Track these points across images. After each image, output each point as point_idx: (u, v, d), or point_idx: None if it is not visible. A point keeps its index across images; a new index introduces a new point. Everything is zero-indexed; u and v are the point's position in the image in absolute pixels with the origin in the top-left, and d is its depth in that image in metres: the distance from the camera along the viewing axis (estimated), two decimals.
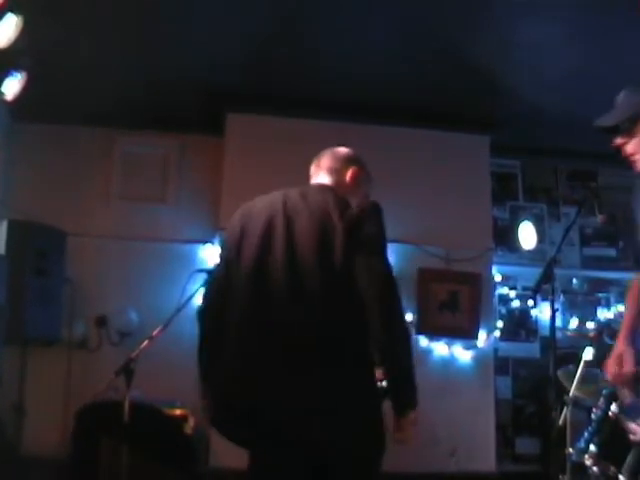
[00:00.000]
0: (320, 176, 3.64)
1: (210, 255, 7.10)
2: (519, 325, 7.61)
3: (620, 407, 3.07)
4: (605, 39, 5.67)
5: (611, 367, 2.93)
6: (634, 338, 2.90)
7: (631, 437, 2.94)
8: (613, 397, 3.21)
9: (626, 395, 2.96)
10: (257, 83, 6.72)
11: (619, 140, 2.88)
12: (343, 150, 3.74)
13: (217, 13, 5.61)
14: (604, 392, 3.30)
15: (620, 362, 2.89)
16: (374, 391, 3.13)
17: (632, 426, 2.91)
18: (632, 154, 2.86)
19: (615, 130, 2.90)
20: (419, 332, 6.96)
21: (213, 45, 6.06)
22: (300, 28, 5.85)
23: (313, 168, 3.73)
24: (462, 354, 6.85)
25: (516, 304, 7.65)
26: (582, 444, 4.50)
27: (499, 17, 5.60)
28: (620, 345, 2.94)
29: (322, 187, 3.54)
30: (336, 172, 3.63)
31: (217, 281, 3.51)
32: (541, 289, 3.88)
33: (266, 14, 5.64)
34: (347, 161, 3.69)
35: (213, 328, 3.43)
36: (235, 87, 6.78)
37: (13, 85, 5.41)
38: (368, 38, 5.94)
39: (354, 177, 3.67)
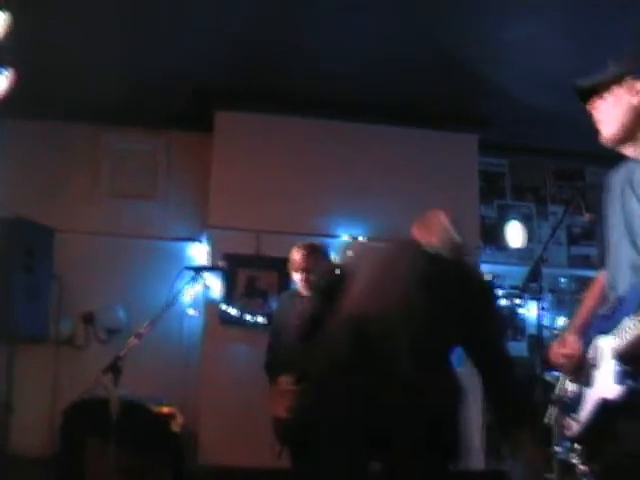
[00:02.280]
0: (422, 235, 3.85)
1: (198, 252, 7.10)
2: (506, 324, 7.62)
3: (562, 401, 3.06)
4: (593, 38, 5.68)
5: (557, 347, 2.92)
6: (584, 332, 2.88)
7: (566, 432, 2.93)
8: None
9: (567, 383, 2.95)
10: (245, 81, 6.72)
11: (592, 103, 2.85)
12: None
13: (204, 10, 5.61)
14: None
15: (564, 345, 2.89)
16: None
17: (567, 420, 2.90)
18: (599, 121, 2.82)
19: (593, 93, 2.87)
20: None
21: (201, 43, 6.06)
22: (287, 26, 5.85)
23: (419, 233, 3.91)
24: None
25: (504, 303, 7.65)
26: (568, 442, 4.50)
27: (487, 16, 5.61)
28: (568, 334, 2.94)
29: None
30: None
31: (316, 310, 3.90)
32: (529, 288, 3.90)
33: (253, 11, 5.64)
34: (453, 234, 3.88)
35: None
36: (223, 85, 6.78)
37: (0, 82, 5.39)
38: (356, 37, 5.94)
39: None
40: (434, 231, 3.82)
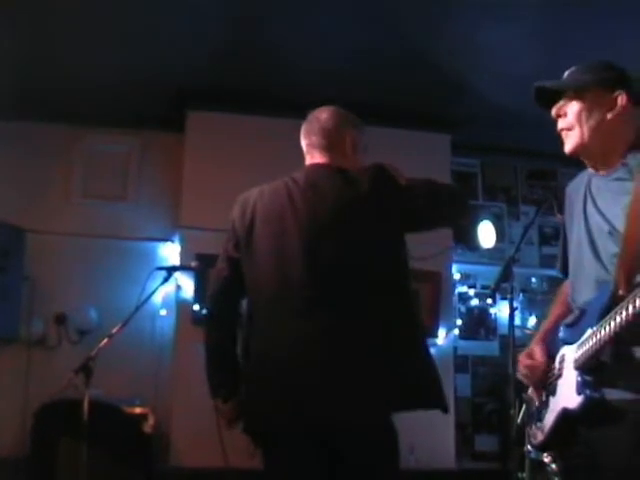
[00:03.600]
0: (316, 156, 3.57)
1: (170, 253, 7.09)
2: (478, 323, 7.64)
3: (528, 411, 3.10)
4: (565, 39, 5.72)
5: (523, 359, 2.95)
6: (551, 340, 2.91)
7: (532, 441, 2.96)
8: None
9: (533, 395, 2.98)
10: (218, 81, 6.70)
11: (558, 107, 2.82)
12: (328, 119, 3.61)
13: (180, 13, 5.60)
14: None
15: (532, 357, 2.92)
16: None
17: (533, 430, 2.94)
18: (567, 128, 2.79)
19: (555, 98, 2.84)
20: None
21: (174, 44, 6.04)
22: (261, 27, 5.85)
23: (305, 147, 3.66)
24: None
25: (475, 302, 7.68)
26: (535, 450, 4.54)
27: (461, 17, 5.63)
28: (534, 343, 2.97)
29: (325, 168, 3.49)
30: (333, 148, 3.55)
31: (225, 281, 3.47)
32: (500, 288, 3.90)
33: (229, 11, 5.63)
34: (340, 131, 3.58)
35: (227, 331, 3.44)
36: (196, 85, 6.77)
37: None
38: (331, 37, 5.96)
39: (353, 145, 3.60)
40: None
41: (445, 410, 3.19)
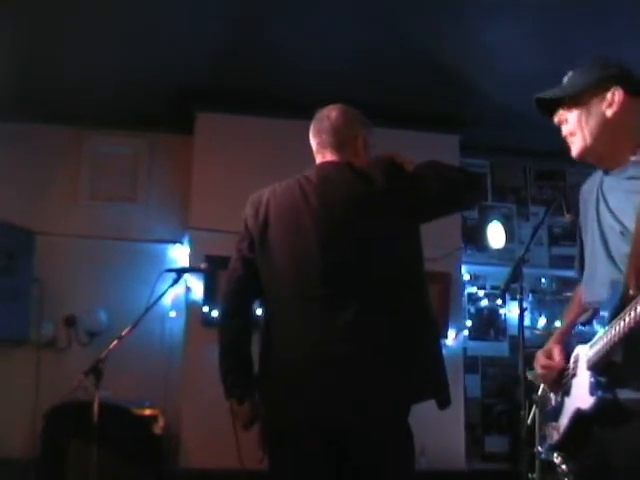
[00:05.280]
0: (327, 155, 3.55)
1: (179, 254, 7.09)
2: (488, 324, 7.63)
3: (543, 410, 3.10)
4: (572, 39, 5.71)
5: (541, 359, 2.94)
6: (567, 341, 2.90)
7: (548, 440, 2.96)
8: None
9: (549, 394, 2.98)
10: (227, 82, 6.70)
11: (560, 115, 2.82)
12: (338, 117, 3.60)
13: (185, 13, 5.60)
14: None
15: (549, 356, 2.91)
16: None
17: (549, 429, 2.94)
18: (571, 134, 2.79)
19: (556, 106, 2.84)
20: None
21: (182, 44, 6.05)
22: (261, 27, 5.84)
23: (315, 146, 3.64)
24: None
25: (485, 303, 7.67)
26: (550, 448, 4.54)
27: (468, 17, 5.63)
28: (551, 342, 2.96)
29: (336, 165, 3.48)
30: (343, 147, 3.53)
31: (239, 281, 3.44)
32: (510, 288, 3.89)
33: (228, 12, 5.63)
34: (351, 130, 3.57)
35: (242, 331, 3.41)
36: (204, 86, 6.76)
37: None
38: (336, 38, 5.95)
39: (364, 144, 3.58)
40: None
41: (441, 405, 3.19)
